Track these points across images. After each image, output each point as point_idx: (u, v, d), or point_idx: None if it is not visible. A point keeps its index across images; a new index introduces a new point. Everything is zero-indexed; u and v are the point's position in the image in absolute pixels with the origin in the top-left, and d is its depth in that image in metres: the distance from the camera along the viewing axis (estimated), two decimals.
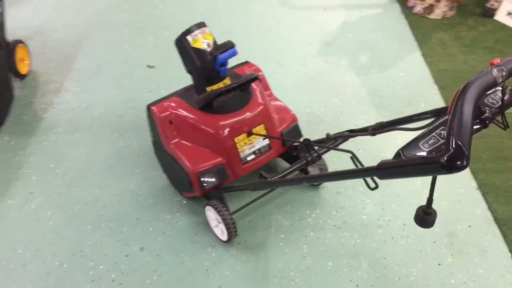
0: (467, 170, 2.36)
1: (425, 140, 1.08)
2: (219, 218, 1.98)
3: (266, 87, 2.23)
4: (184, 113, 2.01)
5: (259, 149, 2.06)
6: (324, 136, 1.90)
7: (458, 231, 2.13)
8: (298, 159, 2.19)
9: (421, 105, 2.75)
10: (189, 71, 1.99)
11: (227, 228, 1.96)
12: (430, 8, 3.38)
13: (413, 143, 1.08)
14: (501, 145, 2.50)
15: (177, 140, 2.04)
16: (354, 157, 1.54)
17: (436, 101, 2.78)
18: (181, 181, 2.10)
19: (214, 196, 2.05)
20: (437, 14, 3.39)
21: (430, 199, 1.19)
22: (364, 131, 1.75)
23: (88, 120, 2.65)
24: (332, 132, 1.92)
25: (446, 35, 3.26)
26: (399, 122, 1.64)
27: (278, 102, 2.21)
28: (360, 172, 1.16)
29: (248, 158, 2.03)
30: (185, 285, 1.91)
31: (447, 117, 1.12)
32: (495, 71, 1.00)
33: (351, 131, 1.81)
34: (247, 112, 1.98)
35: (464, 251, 2.05)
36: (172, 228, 2.12)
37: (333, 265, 2.00)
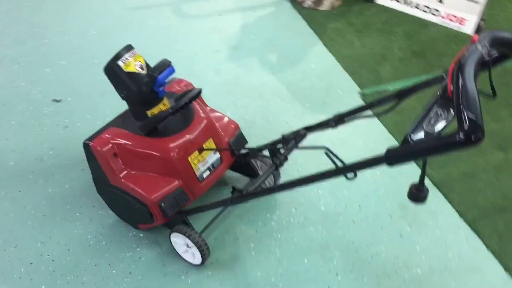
0: None
1: (426, 121, 1.13)
2: (189, 242, 1.90)
3: (202, 100, 2.18)
4: (128, 142, 1.89)
5: (212, 164, 2.01)
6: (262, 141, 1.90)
7: (406, 201, 2.27)
8: (247, 167, 2.19)
9: (339, 92, 2.89)
10: (125, 98, 1.88)
11: (201, 250, 1.89)
12: (319, 1, 3.56)
13: (417, 127, 1.13)
14: None
15: (125, 172, 1.92)
16: (329, 152, 1.57)
17: (350, 86, 2.95)
18: (137, 214, 1.98)
19: (177, 221, 1.96)
20: (326, 5, 3.58)
21: (422, 177, 1.26)
22: (323, 125, 1.79)
23: (3, 171, 2.36)
24: (268, 133, 1.95)
25: (339, 24, 3.46)
26: (358, 110, 1.70)
27: (217, 113, 2.18)
28: (370, 162, 1.19)
29: (204, 175, 1.98)
30: None
31: (437, 97, 1.19)
32: (479, 47, 1.08)
33: (307, 128, 1.84)
34: (194, 129, 1.93)
35: (417, 218, 2.20)
36: (137, 265, 1.99)
37: (308, 261, 2.03)
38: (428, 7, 3.44)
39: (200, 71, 2.99)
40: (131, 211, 2.01)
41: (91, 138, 1.89)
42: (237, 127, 2.16)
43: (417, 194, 1.29)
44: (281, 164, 1.84)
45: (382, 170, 2.36)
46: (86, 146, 1.90)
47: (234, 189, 1.75)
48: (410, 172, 2.32)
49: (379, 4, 3.62)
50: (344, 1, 3.65)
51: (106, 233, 2.10)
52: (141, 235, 2.10)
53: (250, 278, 1.96)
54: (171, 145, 1.85)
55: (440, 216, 2.22)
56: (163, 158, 1.86)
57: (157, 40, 3.24)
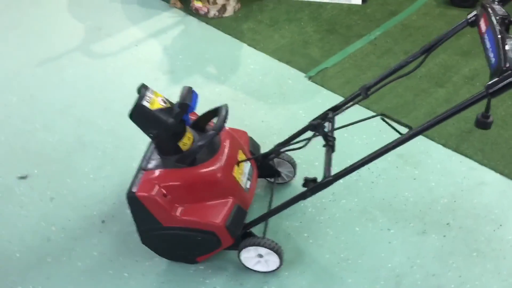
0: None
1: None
2: (262, 251, 1.95)
3: None
4: (174, 178, 1.86)
5: (249, 173, 2.07)
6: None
7: (401, 151, 2.57)
8: (268, 168, 2.28)
9: (289, 82, 3.09)
10: (154, 137, 1.85)
11: (278, 253, 1.94)
12: (223, 8, 3.70)
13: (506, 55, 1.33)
14: None
15: (180, 208, 1.89)
16: (386, 117, 1.75)
17: (294, 73, 3.16)
18: (199, 246, 1.97)
19: (239, 238, 1.97)
20: (229, 11, 3.74)
21: (488, 105, 1.50)
22: (350, 101, 1.96)
23: (13, 267, 2.11)
24: (254, 134, 2.10)
25: (250, 24, 3.64)
26: (384, 77, 1.88)
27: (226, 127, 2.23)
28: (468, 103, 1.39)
29: (248, 186, 2.03)
30: None
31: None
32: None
33: (332, 109, 1.99)
34: (226, 146, 1.97)
35: (417, 161, 2.51)
36: None
37: (360, 228, 2.23)
38: None
39: None
40: (191, 246, 1.98)
41: (132, 190, 1.82)
42: (246, 134, 2.23)
43: (485, 121, 1.52)
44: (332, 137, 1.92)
45: (368, 132, 2.62)
46: (132, 198, 1.82)
47: (306, 180, 1.82)
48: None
49: None
50: (242, 4, 3.83)
51: (168, 280, 2.03)
52: (202, 267, 2.07)
53: (322, 262, 2.07)
54: (216, 166, 1.87)
55: (431, 152, 2.55)
56: (214, 181, 1.87)
57: (89, 88, 3.09)
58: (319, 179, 1.78)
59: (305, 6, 3.83)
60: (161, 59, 3.34)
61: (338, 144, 1.85)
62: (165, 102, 1.85)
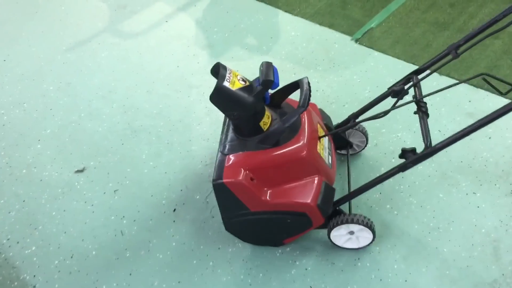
0: None
1: None
2: (353, 228, 1.86)
3: None
4: (260, 160, 1.75)
5: (329, 148, 1.97)
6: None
7: (470, 107, 2.46)
8: (341, 140, 2.18)
9: (335, 46, 2.95)
10: (236, 117, 1.74)
11: (371, 228, 1.85)
12: None
13: None
14: None
15: (269, 191, 1.79)
16: (489, 76, 1.63)
17: (340, 37, 3.02)
18: (287, 229, 1.89)
19: (328, 217, 1.88)
20: None
21: None
22: (438, 60, 1.82)
23: (87, 264, 2.02)
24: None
25: None
26: (476, 33, 1.75)
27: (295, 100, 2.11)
28: None
29: (330, 161, 1.93)
30: None
31: None
32: None
33: (415, 71, 1.87)
34: (305, 122, 1.85)
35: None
36: (312, 276, 1.90)
37: (443, 194, 2.14)
38: None
39: (200, 80, 2.81)
40: (279, 229, 1.90)
41: (218, 177, 1.71)
42: (316, 106, 2.12)
43: None
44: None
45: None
46: (219, 186, 1.72)
47: (404, 151, 1.72)
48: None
49: None
50: None
51: (256, 265, 1.95)
52: (288, 249, 1.99)
53: (412, 232, 1.99)
54: (301, 144, 1.76)
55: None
56: (301, 160, 1.77)
57: (126, 71, 2.94)
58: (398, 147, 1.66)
59: None
60: (196, 33, 3.18)
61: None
62: (244, 81, 1.73)
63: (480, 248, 1.92)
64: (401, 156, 1.73)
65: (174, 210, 2.17)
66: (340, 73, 2.77)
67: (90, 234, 2.12)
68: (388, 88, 1.93)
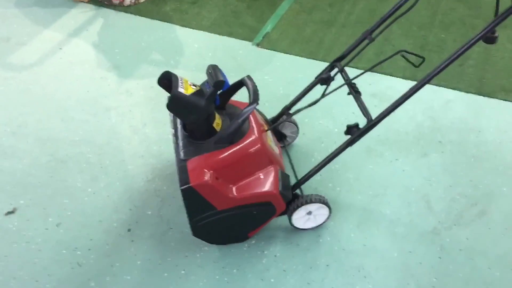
0: None
1: None
2: (311, 208, 2.02)
3: None
4: (221, 159, 1.83)
5: (273, 140, 2.11)
6: None
7: (373, 88, 2.78)
8: (277, 132, 2.34)
9: (240, 53, 3.11)
10: (192, 121, 1.81)
11: (327, 204, 2.02)
12: None
13: None
14: None
15: (234, 188, 1.87)
16: (407, 53, 1.90)
17: (241, 44, 3.18)
18: (252, 221, 1.99)
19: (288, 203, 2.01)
20: None
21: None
22: (356, 46, 2.07)
23: None
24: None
25: (172, 5, 3.53)
26: (386, 18, 2.01)
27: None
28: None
29: (277, 151, 2.07)
30: None
31: None
32: None
33: (339, 58, 2.10)
34: (251, 119, 1.98)
35: (389, 96, 2.74)
36: (287, 264, 2.00)
37: (373, 167, 2.37)
38: None
39: (116, 101, 2.77)
40: (245, 222, 1.99)
41: (185, 182, 1.75)
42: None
43: (492, 37, 1.74)
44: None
45: None
46: (187, 190, 1.75)
47: (349, 128, 1.89)
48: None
49: None
50: None
51: (228, 263, 2.01)
52: (253, 242, 2.08)
53: (357, 203, 2.22)
54: (256, 137, 1.88)
55: (396, 86, 2.80)
56: (258, 152, 1.88)
57: (31, 103, 2.77)
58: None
59: None
60: (97, 56, 3.11)
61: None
62: (194, 85, 1.80)
63: (415, 204, 2.20)
64: (346, 133, 1.92)
65: (129, 230, 2.13)
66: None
67: (43, 273, 1.98)
68: (316, 77, 2.14)
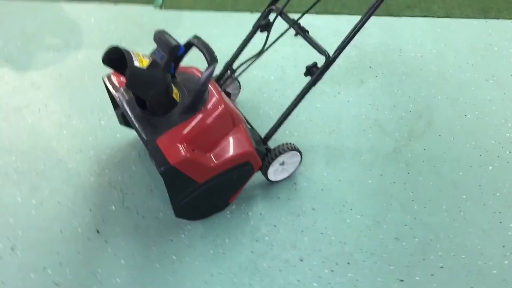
0: None
1: None
2: (284, 157, 1.99)
3: None
4: (190, 129, 1.70)
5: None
6: None
7: None
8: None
9: (145, 19, 2.89)
10: (153, 96, 1.65)
11: (298, 150, 2.01)
12: None
13: None
14: None
15: (211, 155, 1.77)
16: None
17: (143, 8, 2.95)
18: (232, 185, 1.92)
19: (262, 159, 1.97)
20: None
21: None
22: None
23: None
24: None
25: None
26: None
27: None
28: None
29: (236, 110, 2.00)
30: None
31: None
32: None
33: (273, 1, 2.03)
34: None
35: None
36: (280, 230, 1.98)
37: (320, 105, 2.40)
38: None
39: (25, 99, 2.44)
40: (226, 189, 1.92)
41: (164, 163, 1.61)
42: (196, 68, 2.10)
43: None
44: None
45: None
46: (168, 170, 1.62)
47: (309, 68, 1.84)
48: None
49: None
50: None
51: (216, 235, 1.93)
52: (234, 207, 2.03)
53: (319, 142, 2.24)
54: (217, 99, 1.79)
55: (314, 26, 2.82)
56: (225, 114, 1.79)
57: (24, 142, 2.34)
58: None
59: None
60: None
61: None
62: (147, 57, 1.63)
63: (370, 130, 2.28)
64: (306, 74, 1.89)
65: (98, 231, 1.93)
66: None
67: None
68: (253, 26, 2.06)
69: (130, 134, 2.23)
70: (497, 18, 2.81)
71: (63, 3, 2.99)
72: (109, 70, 1.65)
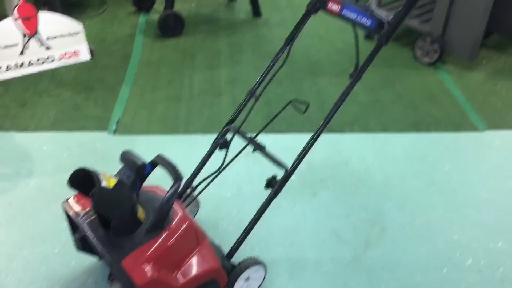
0: None
1: None
2: (249, 272, 1.99)
3: None
4: (157, 248, 1.71)
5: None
6: None
7: None
8: None
9: (98, 145, 2.94)
10: (118, 215, 1.68)
11: (263, 264, 2.02)
12: None
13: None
14: None
15: (177, 274, 1.76)
16: (296, 101, 2.06)
17: (96, 134, 3.02)
18: None
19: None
20: None
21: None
22: (244, 106, 2.17)
23: None
24: None
25: None
26: (264, 75, 2.16)
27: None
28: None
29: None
30: None
31: None
32: None
33: (229, 122, 2.17)
34: None
35: None
36: None
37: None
38: (40, 59, 3.62)
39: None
40: None
41: (129, 286, 1.58)
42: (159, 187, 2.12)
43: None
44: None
45: None
46: None
47: (269, 181, 1.90)
48: None
49: None
50: None
51: None
52: None
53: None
54: (182, 215, 1.82)
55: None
56: (189, 230, 1.81)
57: None
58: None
59: (38, 79, 3.57)
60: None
61: None
62: (113, 177, 1.67)
63: (328, 240, 2.34)
64: (267, 186, 1.97)
65: None
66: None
67: None
68: (212, 144, 2.16)
69: (86, 260, 2.15)
70: (428, 131, 3.11)
71: (13, 133, 2.99)
72: (64, 195, 1.65)
